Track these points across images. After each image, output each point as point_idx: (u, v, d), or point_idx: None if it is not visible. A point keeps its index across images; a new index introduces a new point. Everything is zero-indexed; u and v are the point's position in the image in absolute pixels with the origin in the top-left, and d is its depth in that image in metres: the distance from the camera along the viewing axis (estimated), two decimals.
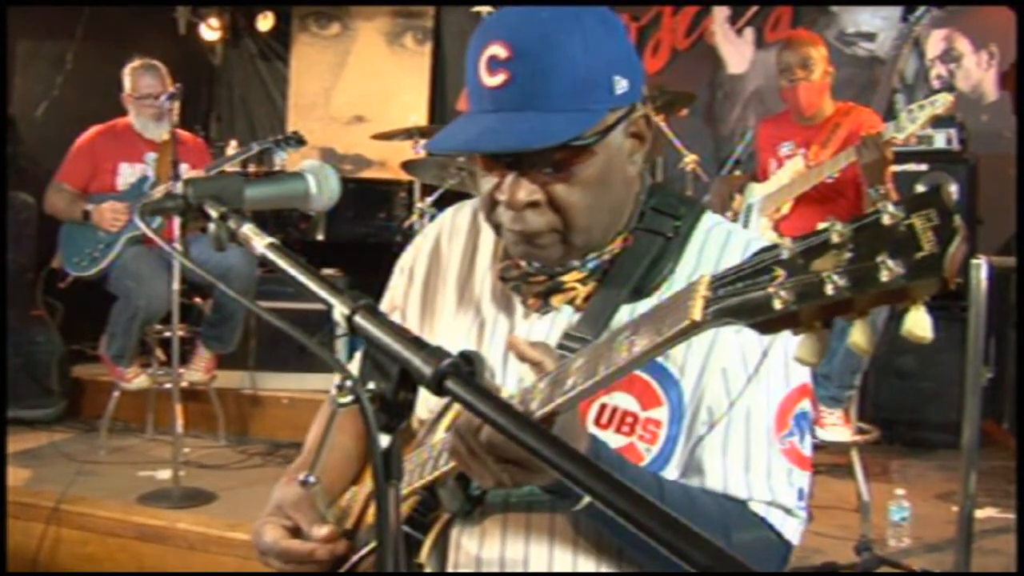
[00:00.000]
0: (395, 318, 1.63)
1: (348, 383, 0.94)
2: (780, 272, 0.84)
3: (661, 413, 1.35)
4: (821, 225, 0.84)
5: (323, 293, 1.02)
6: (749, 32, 6.50)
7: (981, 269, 3.08)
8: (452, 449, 1.18)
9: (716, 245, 1.40)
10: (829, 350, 0.87)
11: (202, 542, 3.69)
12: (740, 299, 0.88)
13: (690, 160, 4.83)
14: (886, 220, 0.78)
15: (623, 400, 1.35)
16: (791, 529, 1.38)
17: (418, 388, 0.94)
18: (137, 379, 4.82)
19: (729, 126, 6.51)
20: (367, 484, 1.62)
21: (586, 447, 1.20)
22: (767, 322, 0.86)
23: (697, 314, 0.93)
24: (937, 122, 4.66)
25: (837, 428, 3.85)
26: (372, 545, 1.47)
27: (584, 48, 1.27)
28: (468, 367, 0.91)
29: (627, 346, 1.04)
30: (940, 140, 5.01)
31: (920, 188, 4.94)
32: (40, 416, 5.30)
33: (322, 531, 1.40)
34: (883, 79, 6.01)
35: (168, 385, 4.43)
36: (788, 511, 1.37)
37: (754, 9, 6.45)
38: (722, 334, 1.34)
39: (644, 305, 1.35)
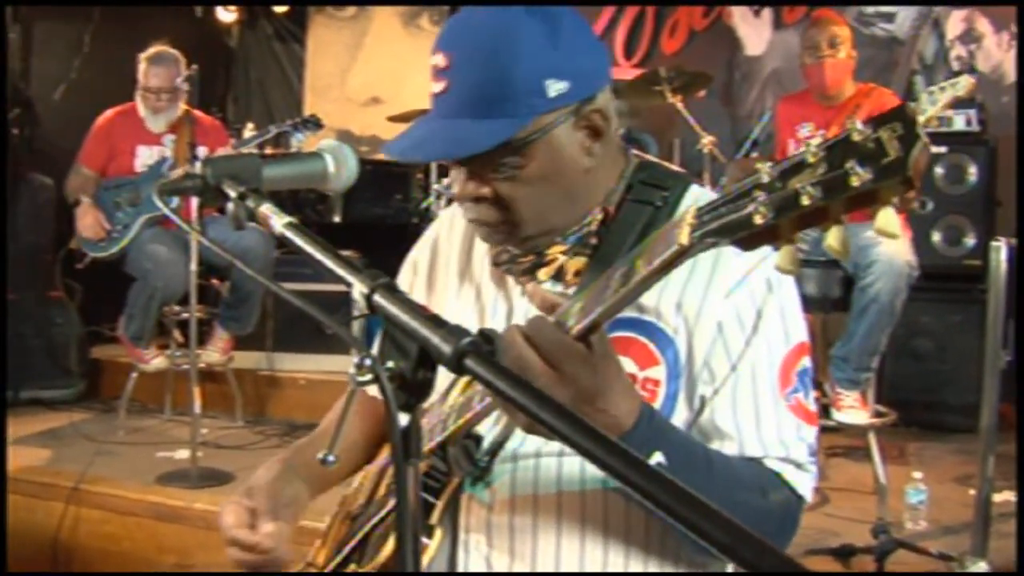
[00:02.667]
0: None
1: (367, 362, 0.94)
2: (760, 193, 0.90)
3: (659, 372, 1.39)
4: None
5: (342, 272, 1.02)
6: (767, 13, 6.45)
7: (1000, 251, 3.06)
8: None
9: None
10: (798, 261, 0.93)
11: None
12: (723, 220, 0.94)
13: (707, 141, 4.81)
14: (856, 137, 0.84)
15: (621, 362, 1.38)
16: (804, 484, 1.41)
17: (437, 367, 0.94)
18: (155, 360, 4.84)
19: (747, 107, 6.47)
20: (377, 462, 1.68)
21: (637, 410, 1.21)
22: (749, 237, 0.92)
23: (685, 239, 0.98)
24: (957, 103, 4.63)
25: (854, 411, 3.83)
26: (380, 516, 1.51)
27: (514, 58, 1.31)
28: (487, 345, 0.91)
29: (620, 282, 1.08)
30: (959, 122, 4.96)
31: (939, 170, 4.92)
32: (59, 397, 5.34)
33: (267, 527, 1.46)
34: (902, 60, 5.96)
35: (186, 366, 4.44)
36: (799, 466, 1.40)
37: None
38: (712, 295, 1.38)
39: None
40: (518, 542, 1.44)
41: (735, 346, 1.38)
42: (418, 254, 1.73)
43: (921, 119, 0.83)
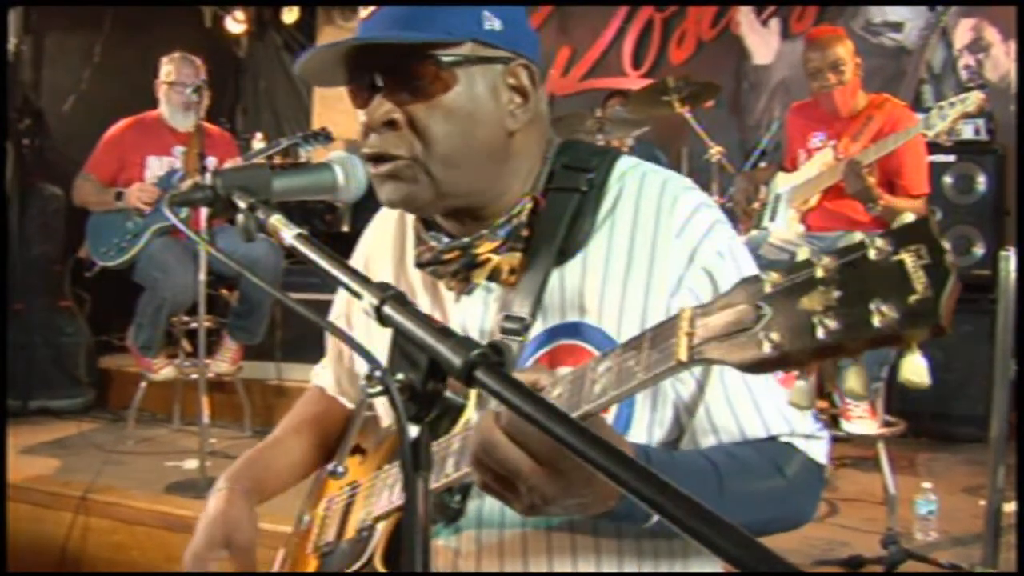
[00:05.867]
0: (342, 325, 1.66)
1: (377, 373, 0.94)
2: (766, 309, 0.81)
3: None
4: (802, 254, 0.81)
5: (351, 283, 1.02)
6: (775, 23, 6.46)
7: (1009, 261, 3.04)
8: (478, 480, 1.12)
9: (631, 193, 1.39)
10: (816, 396, 0.84)
11: None
12: (725, 342, 0.85)
13: (715, 151, 4.82)
14: (873, 255, 0.75)
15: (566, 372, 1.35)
16: (817, 451, 1.38)
17: (447, 378, 0.94)
18: (164, 370, 4.85)
19: (755, 117, 6.48)
20: (338, 497, 1.60)
21: (631, 450, 1.17)
22: (757, 363, 0.82)
23: (683, 355, 0.90)
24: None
25: (864, 421, 3.82)
26: (358, 566, 1.44)
27: None
28: (497, 357, 0.90)
29: (608, 385, 1.02)
30: (968, 131, 4.96)
31: (947, 179, 4.91)
32: (68, 406, 5.37)
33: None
34: (910, 69, 5.95)
35: (195, 376, 4.45)
36: (808, 436, 1.37)
37: None
38: (656, 288, 1.33)
39: (571, 268, 1.37)
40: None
41: None
42: (353, 265, 1.69)
43: (948, 247, 0.71)
